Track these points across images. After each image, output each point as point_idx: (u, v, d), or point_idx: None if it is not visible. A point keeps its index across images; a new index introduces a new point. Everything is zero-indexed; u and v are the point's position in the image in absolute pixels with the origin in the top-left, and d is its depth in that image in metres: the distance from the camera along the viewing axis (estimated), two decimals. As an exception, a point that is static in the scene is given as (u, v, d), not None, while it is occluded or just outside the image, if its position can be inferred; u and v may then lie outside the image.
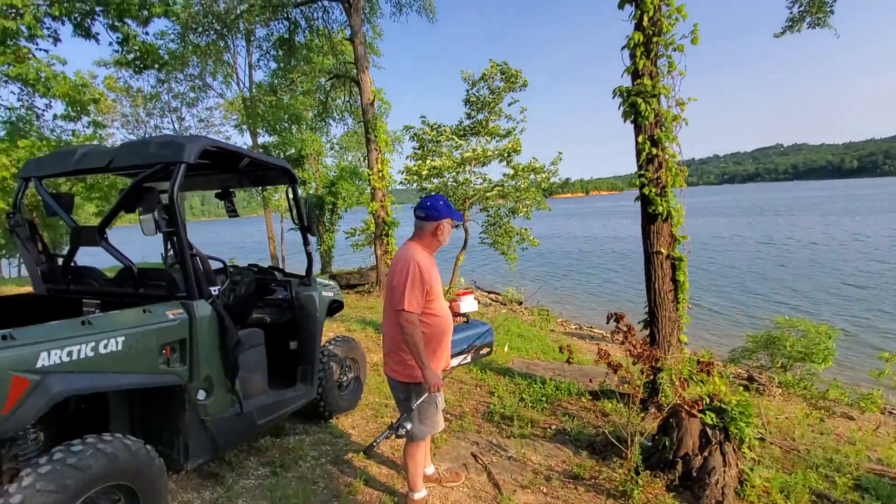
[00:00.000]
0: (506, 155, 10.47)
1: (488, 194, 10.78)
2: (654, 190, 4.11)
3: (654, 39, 4.05)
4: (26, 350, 1.96)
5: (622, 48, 4.21)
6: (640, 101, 4.01)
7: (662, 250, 4.14)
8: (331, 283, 4.14)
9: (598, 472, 3.32)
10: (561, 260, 26.22)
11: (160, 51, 11.44)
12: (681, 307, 4.26)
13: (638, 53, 4.09)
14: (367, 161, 9.71)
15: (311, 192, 14.83)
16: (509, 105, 11.11)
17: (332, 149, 19.28)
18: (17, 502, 1.94)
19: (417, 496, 2.88)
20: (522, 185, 10.13)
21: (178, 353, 2.60)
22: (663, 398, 4.12)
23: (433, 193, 8.61)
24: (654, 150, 4.08)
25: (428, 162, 9.56)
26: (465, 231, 10.99)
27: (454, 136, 10.98)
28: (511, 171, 10.58)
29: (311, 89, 13.90)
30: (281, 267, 4.17)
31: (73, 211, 3.07)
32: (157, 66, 10.74)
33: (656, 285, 4.19)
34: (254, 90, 14.54)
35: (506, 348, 5.37)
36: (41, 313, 3.14)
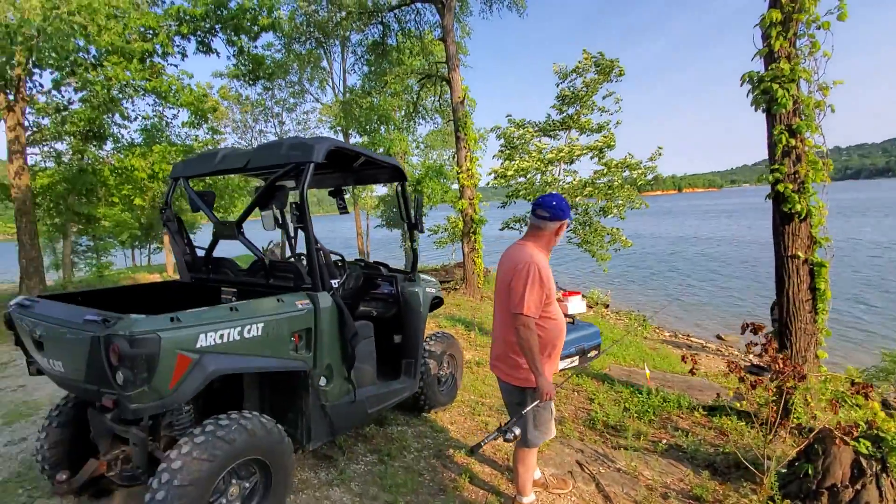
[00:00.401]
0: (598, 151, 10.01)
1: (578, 192, 10.39)
2: (790, 186, 3.66)
3: (795, 17, 3.60)
4: (189, 331, 2.18)
5: (754, 26, 3.79)
6: (775, 86, 3.58)
7: (800, 254, 3.67)
8: (432, 279, 4.21)
9: (724, 497, 3.02)
10: (650, 262, 24.70)
11: (267, 61, 12.43)
12: (820, 319, 3.76)
13: (773, 34, 3.65)
14: (455, 159, 9.79)
15: (398, 190, 15.30)
16: (603, 98, 10.63)
17: (417, 147, 19.82)
18: (178, 467, 2.17)
19: (526, 500, 2.81)
20: (616, 183, 9.62)
21: (304, 340, 2.77)
22: (795, 419, 3.68)
23: (552, 192, 8.36)
24: (792, 142, 3.63)
25: (514, 163, 9.40)
26: (553, 230, 10.66)
27: (539, 133, 10.73)
28: (603, 168, 10.10)
29: (400, 90, 14.35)
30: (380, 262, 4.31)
31: (212, 207, 3.38)
32: (265, 75, 11.67)
33: (790, 293, 3.73)
34: (347, 94, 15.37)
35: (646, 372, 5.04)
36: (185, 299, 3.52)
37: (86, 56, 8.60)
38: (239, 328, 2.38)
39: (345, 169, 3.80)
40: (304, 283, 2.94)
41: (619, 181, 9.70)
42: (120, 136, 10.78)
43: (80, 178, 10.25)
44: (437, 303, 4.19)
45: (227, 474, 2.34)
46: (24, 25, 6.63)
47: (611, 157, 10.10)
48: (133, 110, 10.70)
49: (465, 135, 9.24)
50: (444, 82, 10.11)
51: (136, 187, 10.64)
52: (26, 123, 9.55)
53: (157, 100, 11.06)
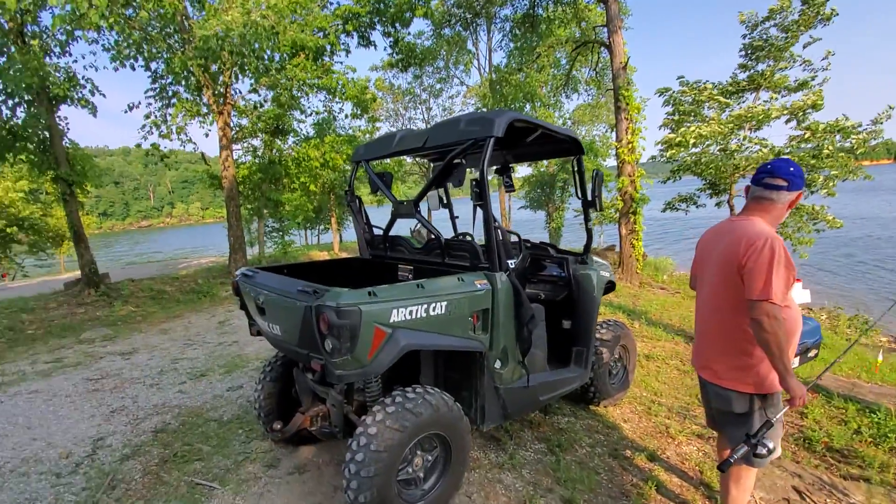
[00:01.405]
0: (798, 113, 8.21)
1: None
2: None
3: None
4: (384, 306, 2.25)
5: None
6: None
7: None
8: (604, 262, 3.85)
9: None
10: (852, 249, 20.03)
11: (417, 49, 12.93)
12: None
13: None
14: (612, 133, 8.98)
15: (542, 168, 14.83)
16: (804, 47, 8.67)
17: (563, 124, 18.96)
18: (373, 433, 2.27)
19: (737, 527, 2.38)
20: (825, 152, 7.76)
21: (481, 321, 2.70)
22: None
23: (783, 157, 7.13)
24: None
25: (693, 129, 8.17)
26: (731, 209, 9.18)
27: (719, 98, 9.20)
28: (804, 133, 8.25)
29: (547, 64, 13.74)
30: (551, 243, 4.08)
31: (391, 188, 3.51)
32: (416, 62, 12.16)
33: None
34: (493, 73, 15.32)
35: (879, 357, 4.20)
36: (365, 274, 3.76)
37: (275, 57, 9.83)
38: (425, 305, 2.39)
39: (518, 144, 3.64)
40: (481, 262, 2.87)
41: (831, 149, 7.79)
42: (299, 131, 12.31)
43: (271, 168, 12.00)
44: (609, 287, 3.83)
45: (413, 445, 2.41)
46: (229, 35, 7.80)
47: (815, 121, 8.20)
48: (308, 106, 12.10)
49: (627, 104, 8.39)
50: (603, 48, 9.28)
51: (310, 175, 12.07)
52: (232, 123, 11.43)
53: (326, 95, 12.28)
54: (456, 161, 2.85)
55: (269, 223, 17.18)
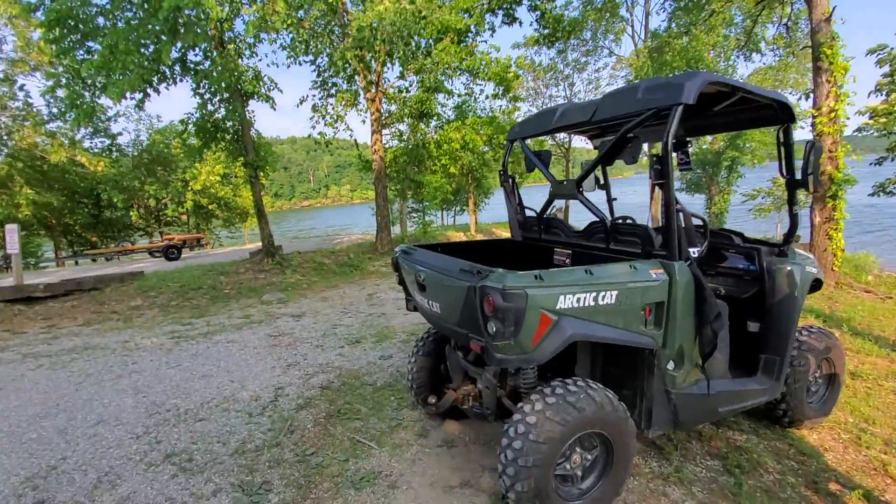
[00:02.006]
0: None
1: None
2: None
3: None
4: (551, 291, 2.10)
5: None
6: None
7: None
8: (809, 255, 3.15)
9: None
10: None
11: (564, 20, 12.22)
12: None
13: None
14: (812, 98, 7.39)
15: (703, 146, 13.07)
16: None
17: (732, 95, 16.37)
18: (533, 422, 2.15)
19: None
20: None
21: (654, 315, 2.39)
22: None
23: None
24: None
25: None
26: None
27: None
28: None
29: (718, 23, 11.89)
30: (728, 229, 3.47)
31: (548, 167, 3.30)
32: (564, 35, 11.52)
33: None
34: (649, 40, 13.79)
35: None
36: (516, 257, 3.65)
37: (421, 43, 10.14)
38: (594, 293, 2.18)
39: (707, 113, 3.13)
40: (654, 249, 2.54)
41: None
42: (441, 114, 12.67)
43: (415, 151, 12.60)
44: (814, 287, 3.14)
45: (573, 441, 2.25)
46: (382, 24, 8.22)
47: None
48: (451, 89, 12.34)
49: (830, 63, 6.78)
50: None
51: (451, 157, 12.37)
52: (382, 110, 12.19)
53: (468, 77, 12.35)
54: (631, 135, 2.53)
55: (410, 204, 18.25)
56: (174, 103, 11.77)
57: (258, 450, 3.15)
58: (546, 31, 11.40)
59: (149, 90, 7.82)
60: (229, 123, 9.54)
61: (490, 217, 24.63)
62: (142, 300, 7.77)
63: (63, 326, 6.53)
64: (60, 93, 9.02)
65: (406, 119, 13.52)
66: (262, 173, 10.27)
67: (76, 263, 18.37)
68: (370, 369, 4.55)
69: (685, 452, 3.02)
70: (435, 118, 12.74)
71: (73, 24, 7.90)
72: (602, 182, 3.58)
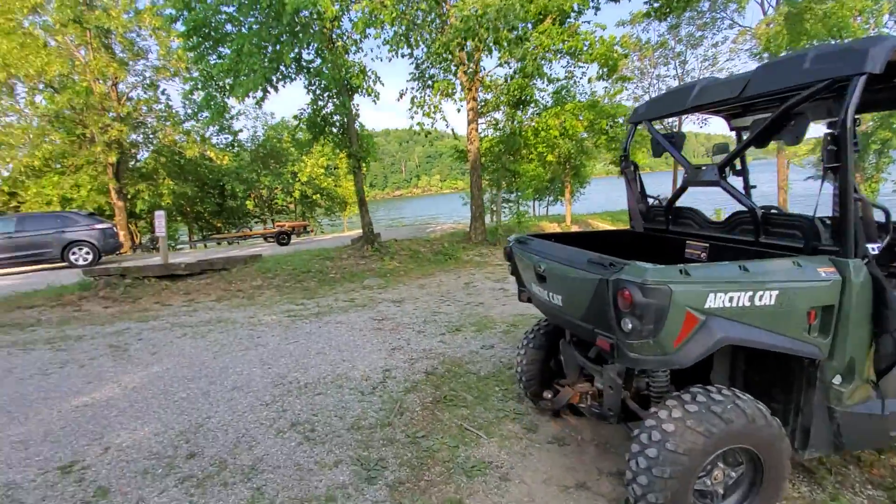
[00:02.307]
0: None
1: None
2: None
3: None
4: (699, 288, 1.89)
5: None
6: None
7: None
8: None
9: None
10: None
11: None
12: None
13: None
14: None
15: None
16: None
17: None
18: (671, 430, 1.97)
19: None
20: None
21: (820, 320, 2.06)
22: None
23: None
24: None
25: None
26: None
27: None
28: None
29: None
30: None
31: (682, 149, 3.00)
32: (679, 6, 10.52)
33: None
34: (782, 7, 12.02)
35: None
36: (637, 249, 3.39)
37: (520, 26, 9.85)
38: (750, 293, 1.92)
39: (881, 87, 2.63)
40: (822, 244, 2.18)
41: None
42: (539, 100, 12.28)
43: (511, 139, 12.39)
44: None
45: (716, 455, 2.02)
46: (486, 12, 8.09)
47: None
48: (550, 74, 11.89)
49: None
50: None
51: (548, 145, 11.98)
52: (478, 98, 12.12)
53: (569, 60, 11.80)
54: (796, 111, 2.19)
55: (502, 194, 18.09)
56: (282, 102, 12.73)
57: (372, 427, 3.29)
58: (657, 3, 10.48)
59: (268, 89, 8.51)
60: (336, 117, 10.09)
61: (584, 208, 23.61)
62: (261, 281, 8.56)
63: (200, 301, 7.41)
64: (196, 95, 10.11)
65: (502, 107, 13.34)
66: (363, 164, 10.76)
67: (205, 246, 20.85)
68: (473, 358, 4.55)
69: (841, 478, 2.61)
70: (532, 105, 12.39)
71: (206, 31, 8.83)
72: (739, 167, 3.20)
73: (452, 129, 12.41)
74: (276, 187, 23.72)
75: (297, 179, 22.75)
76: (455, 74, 11.51)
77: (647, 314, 1.86)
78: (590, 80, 11.65)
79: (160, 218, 8.90)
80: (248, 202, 24.61)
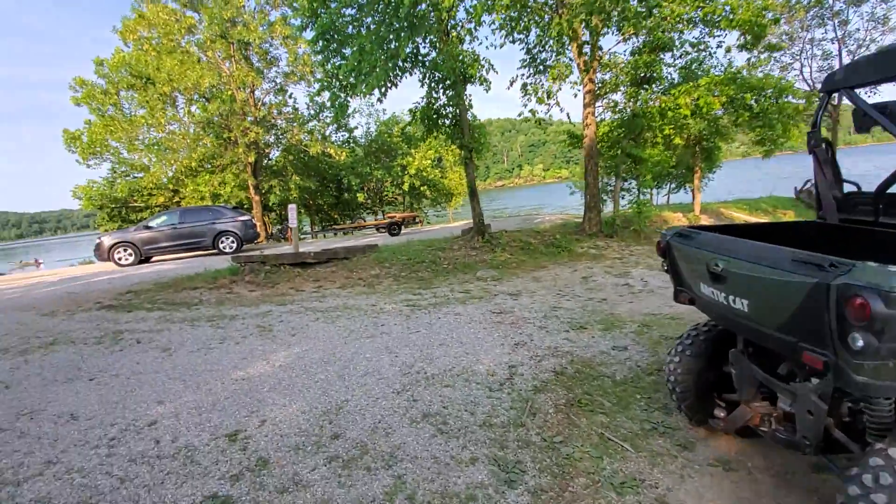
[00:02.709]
0: None
1: None
2: None
3: None
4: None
5: None
6: None
7: None
8: None
9: None
10: None
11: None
12: None
13: None
14: None
15: None
16: None
17: None
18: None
19: None
20: None
21: None
22: None
23: None
24: None
25: None
26: None
27: None
28: None
29: None
30: None
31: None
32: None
33: None
34: None
35: None
36: (818, 246, 2.82)
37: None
38: None
39: None
40: None
41: None
42: (665, 77, 11.15)
43: (633, 122, 11.45)
44: None
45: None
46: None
47: None
48: (679, 47, 10.69)
49: None
50: None
51: (676, 126, 10.84)
52: (595, 80, 11.37)
53: (703, 29, 10.52)
54: None
55: (620, 181, 16.90)
56: (391, 100, 13.13)
57: (504, 426, 3.18)
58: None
59: (388, 84, 8.80)
60: (449, 109, 10.14)
61: (711, 195, 21.18)
62: (379, 270, 8.96)
63: (327, 288, 7.97)
64: (321, 96, 10.84)
65: (621, 87, 12.39)
66: (475, 155, 10.70)
67: (324, 236, 22.65)
68: (604, 359, 4.23)
69: None
70: (657, 83, 11.30)
71: (331, 35, 9.38)
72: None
73: (567, 114, 11.81)
74: (387, 180, 24.87)
75: (405, 172, 23.60)
76: (571, 56, 10.91)
77: (891, 330, 1.46)
78: (727, 51, 10.19)
79: (293, 210, 9.74)
80: (359, 195, 26.20)
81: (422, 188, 25.37)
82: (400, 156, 24.45)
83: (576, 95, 10.97)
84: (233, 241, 14.83)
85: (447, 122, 10.29)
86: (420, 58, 9.23)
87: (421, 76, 9.63)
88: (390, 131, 24.32)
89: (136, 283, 8.93)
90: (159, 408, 3.71)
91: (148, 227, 14.23)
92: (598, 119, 12.28)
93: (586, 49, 10.80)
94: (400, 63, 8.65)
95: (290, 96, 22.91)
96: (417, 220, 18.47)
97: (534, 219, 18.81)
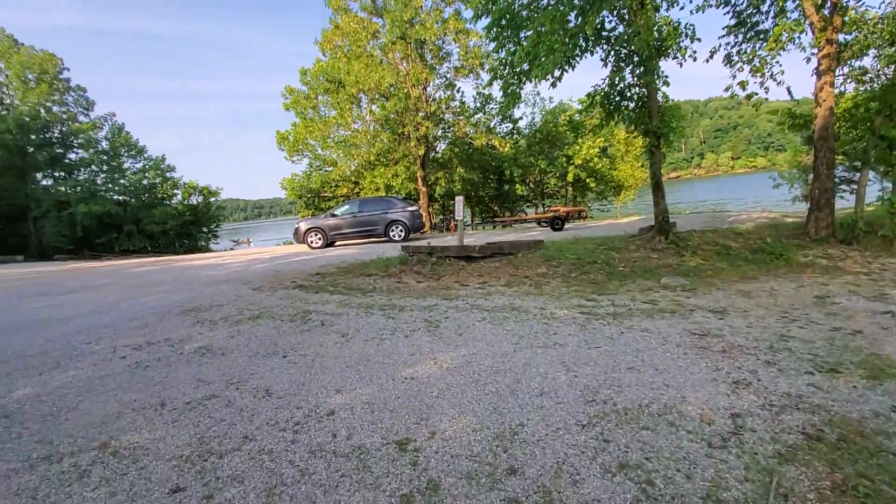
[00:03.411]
0: None
1: None
2: None
3: None
4: None
5: None
6: None
7: None
8: None
9: None
10: None
11: None
12: None
13: None
14: None
15: None
16: None
17: None
18: None
19: None
20: None
21: None
22: None
23: None
24: None
25: None
26: None
27: None
28: None
29: None
30: None
31: None
32: None
33: None
34: None
35: None
36: None
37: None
38: None
39: None
40: None
41: None
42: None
43: (890, 93, 8.59)
44: None
45: None
46: None
47: None
48: None
49: None
50: None
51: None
52: (838, 39, 8.81)
53: None
54: None
55: (849, 173, 13.19)
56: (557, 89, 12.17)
57: (739, 506, 2.34)
58: None
59: (566, 67, 8.04)
60: (635, 90, 8.91)
61: None
62: (546, 268, 8.34)
63: (492, 285, 7.67)
64: (490, 87, 10.56)
65: (871, 50, 9.44)
66: (665, 141, 9.25)
67: (483, 229, 22.82)
68: (883, 426, 2.97)
69: None
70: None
71: (508, 20, 8.96)
72: None
73: (788, 88, 9.45)
74: (550, 171, 23.92)
75: (570, 163, 22.33)
76: (798, 13, 8.62)
77: None
78: None
79: (460, 202, 9.72)
80: (518, 186, 25.74)
81: (587, 180, 23.77)
82: (565, 146, 23.24)
83: (808, 60, 8.67)
84: (401, 230, 15.77)
85: (631, 104, 9.07)
86: (605, 33, 8.22)
87: (603, 55, 8.62)
88: (556, 120, 23.23)
89: (322, 266, 9.93)
90: (337, 397, 3.76)
91: (334, 215, 15.98)
92: (837, 91, 9.56)
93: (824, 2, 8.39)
94: (581, 43, 7.79)
95: (458, 91, 23.55)
96: (583, 214, 17.24)
97: (724, 217, 15.97)
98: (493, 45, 9.44)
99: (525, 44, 8.00)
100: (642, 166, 23.86)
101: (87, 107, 31.29)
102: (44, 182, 29.63)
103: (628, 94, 8.95)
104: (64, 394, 4.09)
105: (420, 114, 21.11)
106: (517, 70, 8.99)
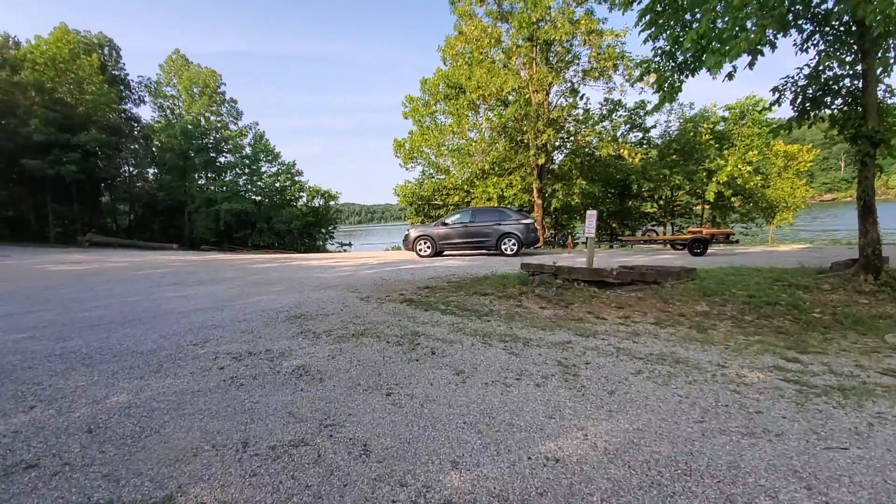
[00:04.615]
0: None
1: None
2: None
3: None
4: None
5: None
6: None
7: None
8: None
9: None
10: None
11: None
12: None
13: None
14: None
15: None
16: None
17: None
18: None
19: None
20: None
21: None
22: None
23: None
24: None
25: None
26: None
27: None
28: None
29: None
30: None
31: None
32: None
33: None
34: None
35: None
36: None
37: None
38: None
39: None
40: None
41: None
42: None
43: None
44: None
45: None
46: None
47: None
48: None
49: None
50: None
51: None
52: None
53: None
54: None
55: None
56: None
57: None
58: None
59: (761, 49, 6.27)
60: (845, 82, 6.79)
61: None
62: (706, 306, 6.60)
63: (637, 321, 6.18)
64: (640, 81, 9.00)
65: None
66: (884, 149, 6.94)
67: (610, 247, 20.71)
68: None
69: None
70: None
71: (667, 4, 7.44)
72: None
73: None
74: (685, 187, 21.03)
75: (712, 178, 19.34)
76: None
77: None
78: None
79: (592, 218, 8.32)
80: (646, 203, 23.08)
81: (732, 199, 20.43)
82: (705, 159, 20.24)
83: None
84: (514, 244, 14.62)
85: (838, 100, 6.94)
86: (812, 8, 6.31)
87: (804, 38, 6.67)
88: (697, 129, 20.35)
89: (431, 278, 9.16)
90: (454, 475, 2.73)
91: (444, 224, 15.35)
92: None
93: None
94: (789, 18, 6.00)
95: (582, 98, 21.85)
96: (732, 238, 14.54)
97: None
98: (644, 34, 7.97)
99: (697, 25, 6.42)
100: (805, 184, 19.86)
101: (237, 117, 35.28)
102: (199, 181, 33.85)
103: (834, 87, 6.85)
104: (153, 409, 3.63)
105: (541, 121, 19.88)
106: (679, 61, 7.41)
